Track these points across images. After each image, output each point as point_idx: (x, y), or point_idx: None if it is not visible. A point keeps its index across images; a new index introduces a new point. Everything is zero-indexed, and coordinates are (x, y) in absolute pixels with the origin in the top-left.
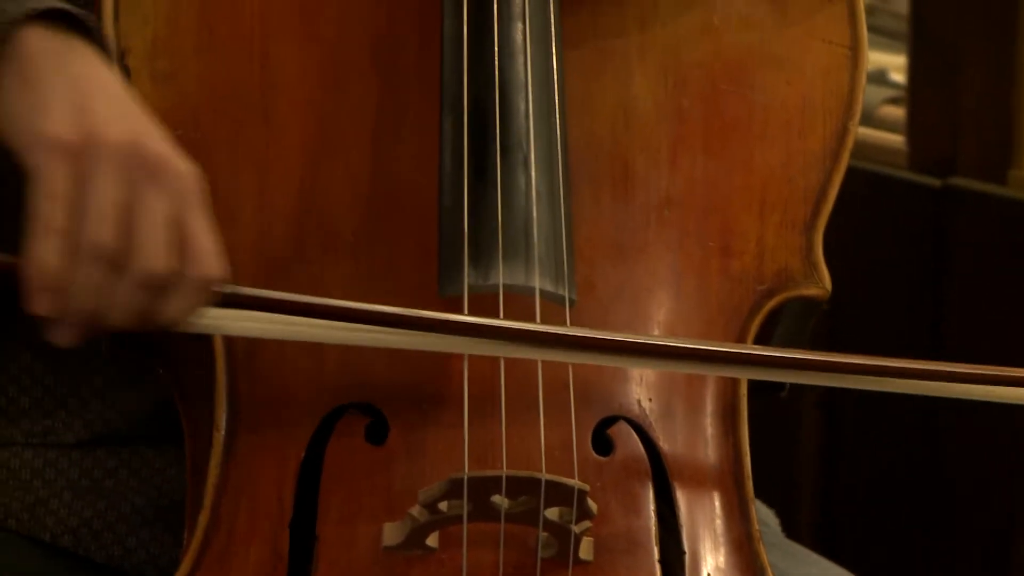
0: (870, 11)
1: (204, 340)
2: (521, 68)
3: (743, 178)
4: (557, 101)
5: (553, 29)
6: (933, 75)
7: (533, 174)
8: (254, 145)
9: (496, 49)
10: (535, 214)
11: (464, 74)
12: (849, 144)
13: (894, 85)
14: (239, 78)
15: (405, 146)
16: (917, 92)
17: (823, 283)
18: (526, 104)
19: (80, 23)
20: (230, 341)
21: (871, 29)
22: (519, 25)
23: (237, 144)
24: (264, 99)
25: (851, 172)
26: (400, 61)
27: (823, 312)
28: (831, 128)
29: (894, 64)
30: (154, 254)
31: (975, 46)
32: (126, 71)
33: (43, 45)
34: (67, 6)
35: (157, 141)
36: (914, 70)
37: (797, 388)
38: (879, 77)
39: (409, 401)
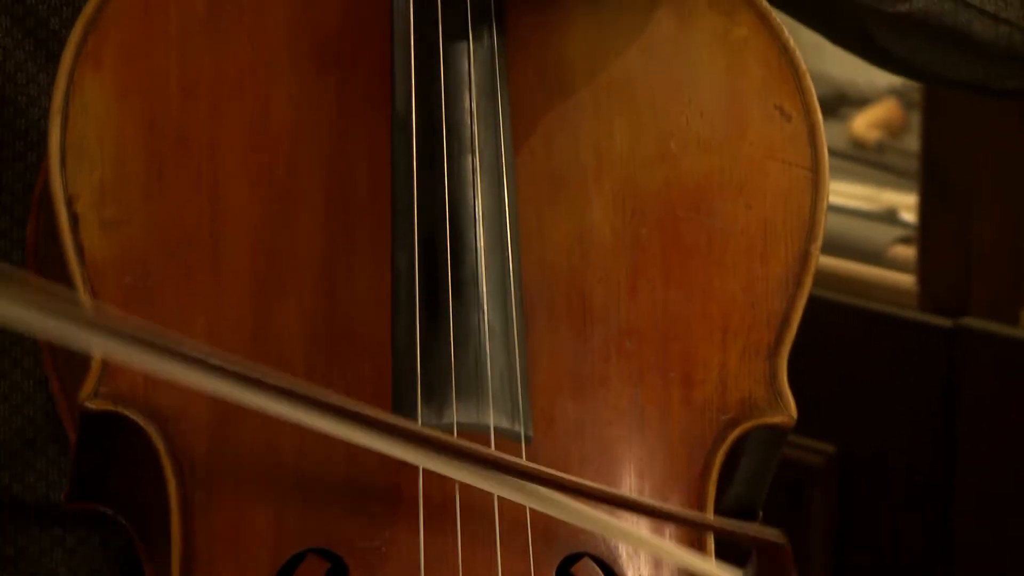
0: (880, 149)
1: (159, 486)
2: (472, 202)
3: (704, 305)
4: (509, 234)
5: (504, 160)
6: (944, 214)
7: (486, 310)
8: (205, 288)
9: (446, 183)
10: (488, 351)
11: (415, 209)
12: (812, 268)
13: (904, 224)
14: (189, 221)
15: (357, 283)
16: (928, 231)
17: (788, 410)
18: (477, 239)
19: None
20: (185, 488)
21: (881, 168)
22: (469, 158)
23: (188, 288)
24: (214, 241)
25: (860, 314)
26: (351, 197)
27: (833, 455)
28: (793, 252)
29: (904, 203)
30: None
31: (987, 184)
32: (74, 218)
33: None
34: None
35: None
36: (925, 209)
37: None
38: (889, 216)
39: (367, 544)
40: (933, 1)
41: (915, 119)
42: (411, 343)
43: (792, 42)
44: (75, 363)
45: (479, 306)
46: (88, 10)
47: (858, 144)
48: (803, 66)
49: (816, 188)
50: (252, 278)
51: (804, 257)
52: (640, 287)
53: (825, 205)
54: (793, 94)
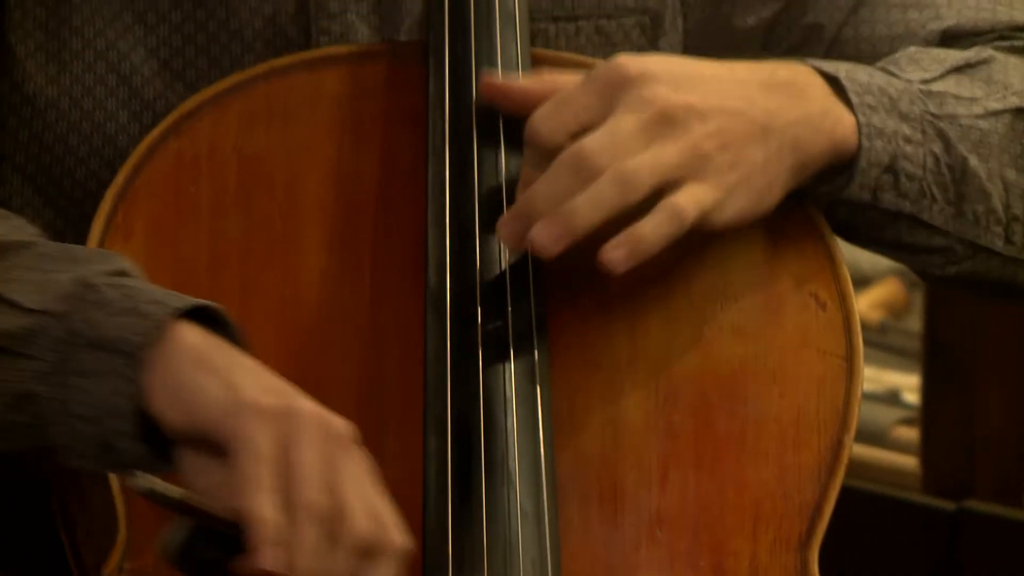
0: (883, 330)
1: None
2: (505, 385)
3: (736, 495)
4: (542, 418)
5: (537, 343)
6: (948, 395)
7: (518, 493)
8: None
9: (480, 367)
10: (520, 534)
11: (448, 393)
12: (844, 458)
13: (907, 406)
14: None
15: (388, 468)
16: (932, 413)
17: None
18: (511, 422)
19: (212, 316)
20: None
21: (884, 348)
22: (504, 338)
23: None
24: None
25: (862, 496)
26: (382, 375)
27: None
28: (826, 441)
29: (907, 384)
30: (362, 519)
31: (991, 366)
32: None
33: (198, 334)
34: (208, 303)
35: (340, 421)
36: (928, 390)
37: None
38: (892, 398)
39: None
40: (981, 260)
41: (918, 299)
42: (443, 525)
43: (829, 230)
44: (97, 533)
45: (511, 488)
46: (119, 180)
47: (860, 325)
48: (839, 254)
49: (851, 377)
50: None
51: (837, 447)
52: (672, 474)
53: (859, 394)
54: (829, 282)
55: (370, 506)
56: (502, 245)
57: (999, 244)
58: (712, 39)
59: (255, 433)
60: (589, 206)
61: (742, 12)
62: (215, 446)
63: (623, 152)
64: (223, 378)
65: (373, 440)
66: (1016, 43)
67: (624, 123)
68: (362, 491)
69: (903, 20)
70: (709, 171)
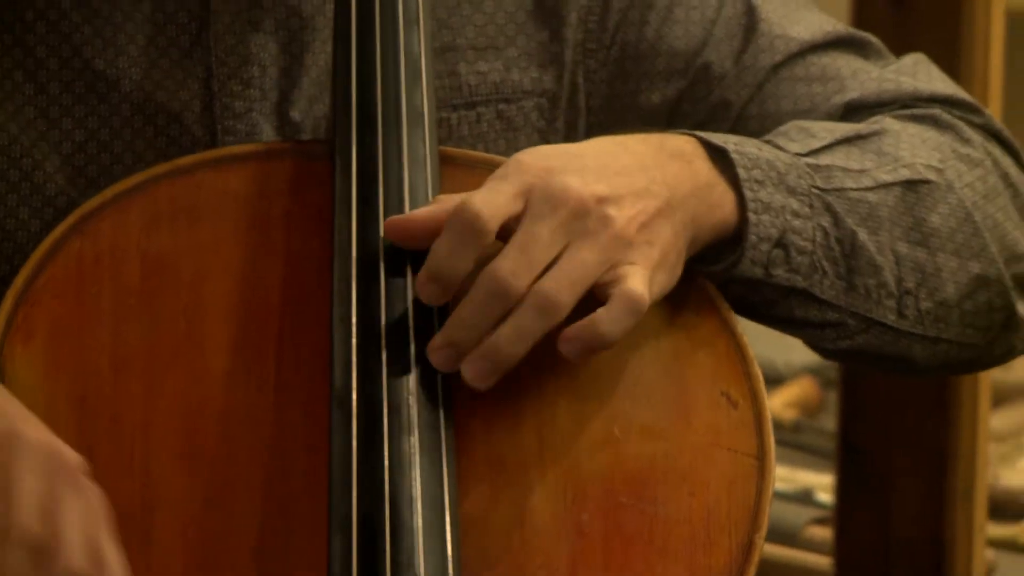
0: (796, 428)
1: None
2: (411, 484)
3: None
4: (449, 518)
5: (444, 442)
6: (862, 495)
7: None
8: (135, 568)
9: (386, 466)
10: None
11: (353, 491)
12: (755, 557)
13: (821, 505)
14: (120, 500)
15: (293, 564)
16: (845, 513)
17: None
18: (416, 522)
19: None
20: None
21: (797, 447)
22: (409, 438)
23: None
24: (146, 521)
25: None
26: (289, 477)
27: None
28: (737, 541)
29: (821, 483)
30: (78, 555)
31: (905, 465)
32: None
33: None
34: None
35: (72, 453)
36: (842, 490)
37: None
38: (805, 497)
39: None
40: (875, 335)
41: (832, 398)
42: None
43: (739, 327)
44: None
45: None
46: (19, 281)
47: (774, 423)
48: (750, 351)
49: (762, 476)
50: (184, 559)
51: (749, 546)
52: (581, 575)
53: (771, 493)
54: (741, 381)
55: (91, 544)
56: (410, 344)
57: (891, 318)
58: (618, 116)
59: None
60: (513, 339)
61: (647, 90)
62: None
63: (538, 266)
64: None
65: (280, 541)
66: (916, 111)
67: (537, 231)
68: (85, 527)
69: (808, 94)
70: (636, 254)
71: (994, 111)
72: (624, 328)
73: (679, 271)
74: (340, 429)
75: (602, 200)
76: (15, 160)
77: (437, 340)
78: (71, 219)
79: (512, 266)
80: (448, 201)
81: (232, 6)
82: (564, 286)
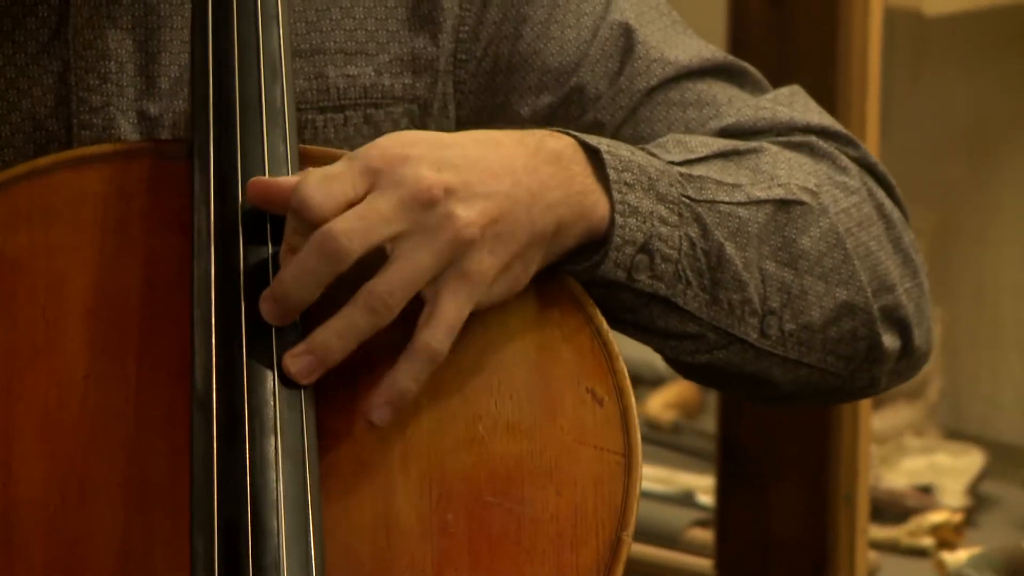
0: (676, 430)
1: None
2: (273, 486)
3: None
4: (312, 519)
5: (307, 443)
6: (742, 497)
7: None
8: None
9: (248, 465)
10: None
11: (215, 491)
12: (623, 556)
13: (702, 507)
14: None
15: (156, 566)
16: (725, 514)
17: None
18: (279, 523)
19: None
20: None
21: (677, 449)
22: (271, 439)
23: None
24: (6, 524)
25: None
26: (150, 478)
27: None
28: (604, 539)
29: (701, 485)
30: None
31: (785, 466)
32: None
33: None
34: None
35: None
36: (722, 492)
37: None
38: (686, 499)
39: None
40: (735, 351)
41: (711, 399)
42: None
43: (605, 324)
44: None
45: None
46: None
47: (653, 425)
48: (616, 349)
49: (628, 473)
50: (46, 559)
51: (616, 544)
52: (446, 575)
53: (638, 491)
54: (606, 377)
55: None
56: (271, 345)
57: (753, 336)
58: (488, 127)
59: None
60: (341, 337)
61: (517, 103)
62: None
63: (374, 235)
64: None
65: (143, 542)
66: (793, 139)
67: (378, 204)
68: None
69: (683, 119)
70: (471, 262)
71: (872, 110)
72: (426, 376)
73: (526, 277)
74: (201, 431)
75: (451, 192)
76: None
77: (268, 291)
78: None
79: (347, 227)
80: (313, 173)
81: (91, 0)
82: (397, 287)
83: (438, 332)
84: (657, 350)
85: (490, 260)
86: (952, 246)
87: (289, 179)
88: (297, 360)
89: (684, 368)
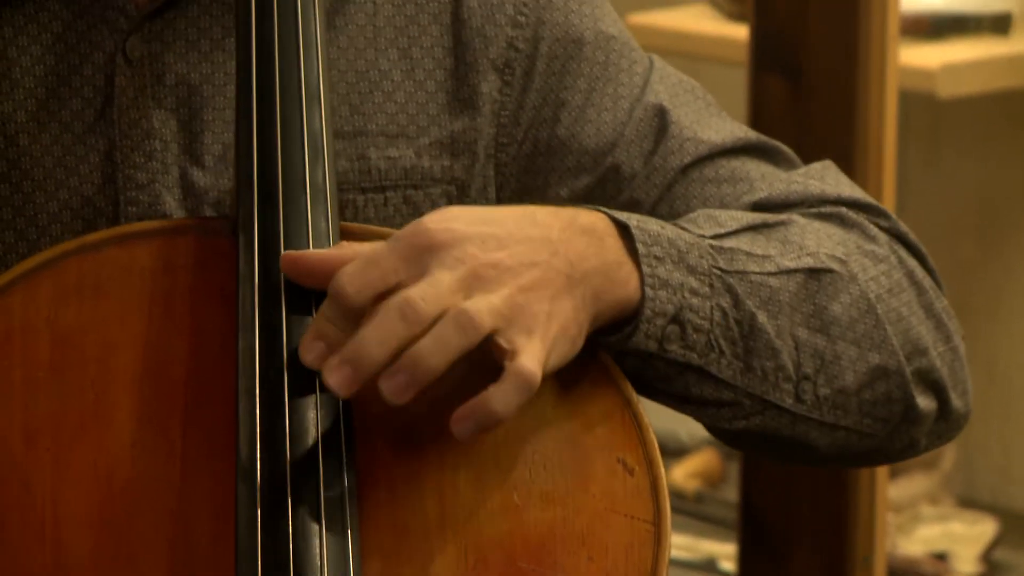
0: (699, 499)
1: None
2: (316, 555)
3: None
4: None
5: (348, 510)
6: (763, 564)
7: None
8: None
9: (291, 537)
10: None
11: (258, 560)
12: None
13: (724, 574)
14: (30, 566)
15: None
16: None
17: None
18: None
19: None
20: None
21: (700, 517)
22: (313, 510)
23: None
24: None
25: None
26: (194, 546)
27: None
28: None
29: (724, 553)
30: None
31: (805, 535)
32: None
33: None
34: None
35: None
36: (744, 559)
37: None
38: (709, 566)
39: None
40: (771, 416)
41: (733, 469)
42: None
43: (635, 396)
44: None
45: None
46: None
47: (677, 494)
48: (646, 420)
49: (658, 541)
50: None
51: None
52: None
53: (667, 558)
54: (636, 447)
55: None
56: (316, 414)
57: (788, 401)
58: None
59: None
60: (435, 351)
61: (556, 184)
62: None
63: (445, 301)
64: None
65: None
66: (823, 210)
67: (442, 278)
68: None
69: (717, 195)
70: (532, 324)
71: (888, 192)
72: (516, 405)
73: (579, 344)
74: (245, 502)
75: (499, 267)
76: None
77: (337, 359)
78: None
79: (422, 293)
80: (347, 247)
81: (136, 82)
82: (483, 310)
83: (531, 361)
84: (696, 418)
85: (549, 322)
86: (964, 323)
87: (319, 252)
88: (392, 378)
89: (724, 435)
